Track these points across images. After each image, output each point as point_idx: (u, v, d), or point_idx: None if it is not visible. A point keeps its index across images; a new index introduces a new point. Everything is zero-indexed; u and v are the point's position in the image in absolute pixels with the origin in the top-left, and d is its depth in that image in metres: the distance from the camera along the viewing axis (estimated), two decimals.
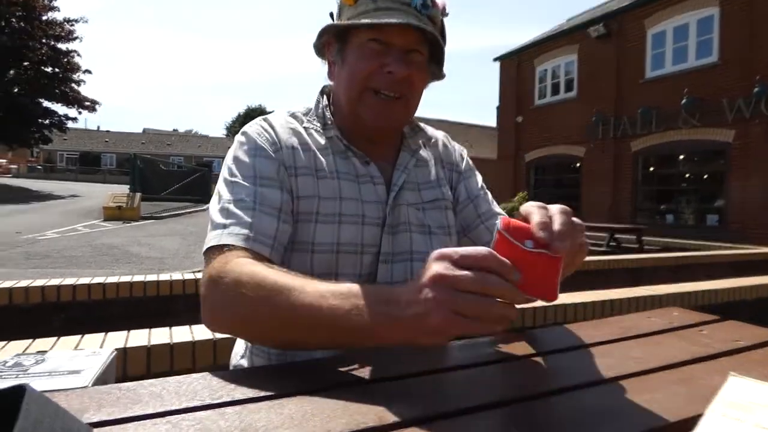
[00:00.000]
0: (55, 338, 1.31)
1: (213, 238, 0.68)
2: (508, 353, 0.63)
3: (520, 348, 0.65)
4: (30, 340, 1.25)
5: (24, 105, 21.27)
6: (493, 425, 0.44)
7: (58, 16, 22.51)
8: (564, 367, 0.59)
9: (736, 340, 0.72)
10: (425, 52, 0.79)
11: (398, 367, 0.54)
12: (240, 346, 0.84)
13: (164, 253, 7.20)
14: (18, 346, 1.20)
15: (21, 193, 19.36)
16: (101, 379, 0.55)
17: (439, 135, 0.97)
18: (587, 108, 12.33)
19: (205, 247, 0.68)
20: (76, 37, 22.85)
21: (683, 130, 10.32)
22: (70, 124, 24.96)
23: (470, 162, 0.97)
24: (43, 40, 21.93)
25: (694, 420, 0.44)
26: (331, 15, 0.82)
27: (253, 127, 0.80)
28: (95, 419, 0.40)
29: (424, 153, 0.90)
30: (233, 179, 0.74)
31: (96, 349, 0.61)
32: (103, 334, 1.41)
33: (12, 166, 37.83)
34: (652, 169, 11.59)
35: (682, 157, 10.99)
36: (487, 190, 0.94)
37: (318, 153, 0.79)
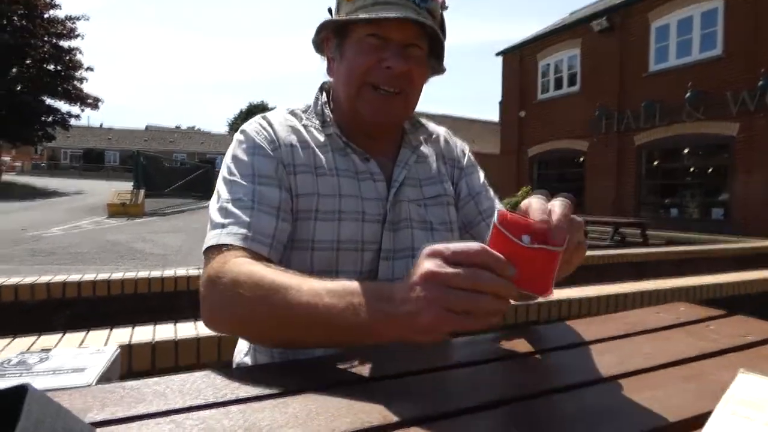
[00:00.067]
0: (60, 334, 1.32)
1: (212, 238, 0.68)
2: (512, 350, 0.63)
3: (524, 345, 0.64)
4: (35, 336, 1.26)
5: (27, 103, 21.32)
6: (496, 424, 0.43)
7: (59, 13, 22.50)
8: (568, 365, 0.58)
9: (744, 335, 0.72)
10: (424, 46, 0.78)
11: (400, 365, 0.53)
12: (243, 343, 0.84)
13: (168, 249, 7.22)
14: (23, 342, 1.21)
15: (25, 190, 19.46)
16: (105, 377, 0.55)
17: (441, 131, 0.96)
18: (590, 102, 12.27)
19: (204, 247, 0.68)
20: (78, 35, 22.85)
21: (687, 124, 10.25)
22: (73, 122, 25.01)
23: (472, 158, 0.96)
24: (45, 38, 21.93)
25: (703, 417, 0.44)
26: (330, 10, 0.81)
27: (251, 126, 0.79)
28: (99, 418, 0.39)
29: (425, 149, 0.89)
30: (232, 178, 0.73)
31: (100, 347, 0.61)
32: (108, 330, 1.42)
33: (16, 164, 38.01)
34: (655, 163, 11.53)
35: (686, 150, 10.93)
36: (489, 187, 0.94)
37: (317, 150, 0.78)
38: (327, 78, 0.86)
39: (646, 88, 11.06)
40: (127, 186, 14.14)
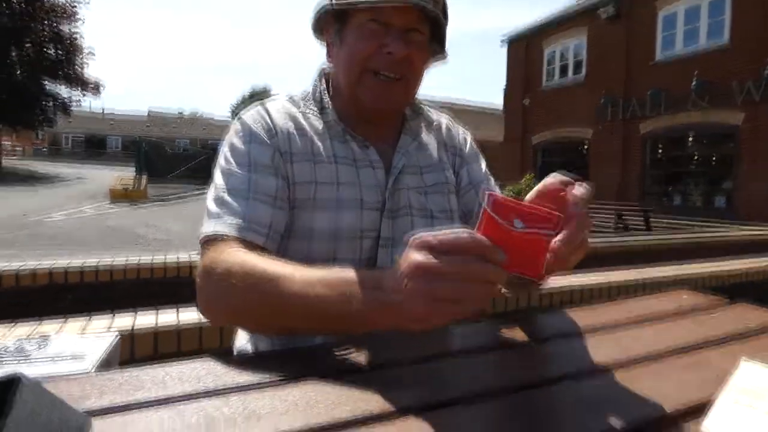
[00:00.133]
0: (62, 320, 1.32)
1: (207, 228, 0.68)
2: (512, 339, 0.62)
3: (525, 333, 0.64)
4: (37, 322, 1.26)
5: (27, 87, 21.20)
6: (495, 414, 0.43)
7: None
8: (569, 353, 0.58)
9: (747, 323, 0.71)
10: (426, 31, 0.77)
11: (400, 353, 0.53)
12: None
13: (171, 235, 7.25)
14: (24, 328, 1.21)
15: (27, 175, 19.48)
16: (105, 364, 0.55)
17: (443, 118, 0.95)
18: (595, 90, 12.14)
19: (200, 237, 0.68)
20: (79, 19, 22.64)
21: (692, 113, 10.16)
22: (74, 107, 24.92)
23: (474, 146, 0.95)
24: (45, 22, 21.72)
25: (705, 406, 0.43)
26: None
27: (248, 113, 0.78)
28: (97, 406, 0.39)
29: (426, 136, 0.88)
30: (228, 167, 0.73)
31: (100, 333, 0.61)
32: (111, 315, 1.42)
33: (17, 148, 37.99)
34: (660, 151, 11.45)
35: (690, 139, 10.85)
36: (490, 176, 0.92)
37: (315, 138, 0.77)
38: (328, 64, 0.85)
39: (652, 77, 10.94)
40: (130, 172, 14.14)
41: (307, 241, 0.72)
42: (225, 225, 0.67)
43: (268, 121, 0.76)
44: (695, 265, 2.61)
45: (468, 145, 0.93)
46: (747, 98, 9.21)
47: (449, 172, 0.87)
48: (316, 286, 0.52)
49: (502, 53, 15.79)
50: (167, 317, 1.45)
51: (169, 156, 17.92)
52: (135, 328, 1.33)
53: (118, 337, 0.61)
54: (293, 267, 0.56)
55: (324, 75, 0.86)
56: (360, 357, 0.53)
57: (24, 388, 0.25)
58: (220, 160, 0.75)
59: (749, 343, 0.64)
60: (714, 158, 10.58)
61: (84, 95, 24.16)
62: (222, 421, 0.38)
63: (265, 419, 0.38)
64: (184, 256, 2.36)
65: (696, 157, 10.93)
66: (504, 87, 15.99)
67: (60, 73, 22.40)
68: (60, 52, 22.42)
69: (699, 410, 0.43)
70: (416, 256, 0.44)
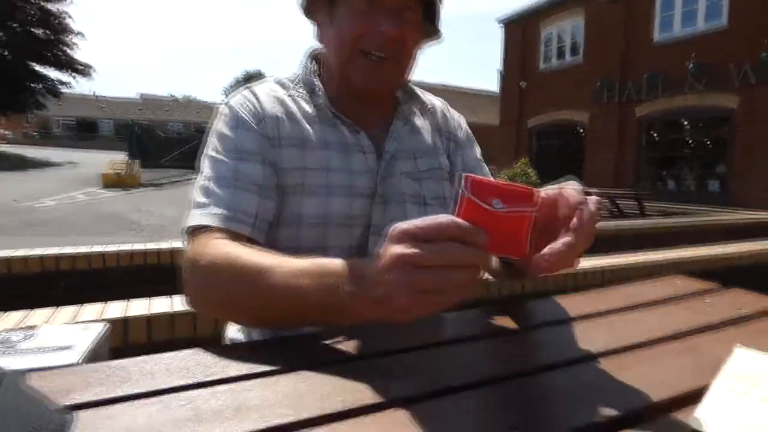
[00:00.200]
0: (54, 308, 1.31)
1: (192, 218, 0.67)
2: (504, 326, 0.62)
3: (517, 320, 0.64)
4: (27, 311, 1.25)
5: (15, 69, 20.76)
6: (488, 403, 0.43)
7: None
8: (562, 340, 0.58)
9: (740, 309, 0.72)
10: (419, 10, 0.75)
11: (391, 343, 0.53)
12: None
13: (165, 220, 7.20)
14: (15, 316, 1.20)
15: (17, 160, 19.21)
16: (93, 354, 0.54)
17: (438, 102, 0.93)
18: (592, 73, 12.05)
19: (185, 227, 0.67)
20: None
21: (689, 96, 10.13)
22: (64, 90, 24.47)
23: (469, 132, 0.93)
24: (32, 2, 21.16)
25: (699, 392, 0.43)
26: None
27: (236, 98, 0.76)
28: (82, 400, 0.38)
29: (419, 120, 0.86)
30: (214, 155, 0.71)
31: (88, 324, 0.60)
32: (103, 303, 1.41)
33: (6, 132, 37.41)
34: (656, 135, 11.44)
35: (686, 123, 10.83)
36: (484, 163, 0.91)
37: (304, 122, 0.75)
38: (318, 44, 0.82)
39: (649, 59, 10.86)
40: (122, 156, 13.98)
41: (296, 228, 0.71)
42: (210, 216, 0.65)
43: (256, 105, 0.74)
44: (688, 250, 2.63)
45: (463, 130, 0.91)
46: (744, 81, 9.18)
47: (443, 157, 0.86)
48: (300, 278, 0.51)
49: (501, 35, 15.61)
50: (161, 304, 1.44)
51: (162, 140, 17.70)
52: (128, 315, 1.32)
53: (108, 327, 0.60)
54: (277, 258, 0.55)
55: (314, 56, 0.83)
56: (351, 346, 0.52)
57: (2, 382, 0.24)
58: (207, 148, 0.73)
59: (743, 329, 0.64)
60: (709, 142, 10.59)
61: (74, 78, 23.71)
62: (210, 414, 0.37)
63: (254, 411, 0.38)
64: (177, 243, 2.35)
65: (691, 141, 10.93)
66: (500, 69, 15.85)
67: (49, 54, 21.91)
68: (48, 32, 21.89)
69: (693, 397, 0.43)
70: (395, 248, 0.42)
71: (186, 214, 0.68)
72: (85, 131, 43.84)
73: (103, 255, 2.14)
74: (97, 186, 11.84)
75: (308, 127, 0.75)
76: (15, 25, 21.05)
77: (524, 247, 0.45)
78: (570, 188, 0.50)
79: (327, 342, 0.53)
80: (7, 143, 32.00)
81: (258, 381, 0.43)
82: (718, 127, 10.15)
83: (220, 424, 0.36)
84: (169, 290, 1.55)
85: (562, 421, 0.39)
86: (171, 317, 1.39)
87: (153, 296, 1.51)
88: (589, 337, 0.57)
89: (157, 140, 17.12)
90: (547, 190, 0.50)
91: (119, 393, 0.40)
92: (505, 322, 0.63)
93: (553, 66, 13.74)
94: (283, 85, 0.80)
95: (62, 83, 23.47)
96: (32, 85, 22.46)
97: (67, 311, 1.31)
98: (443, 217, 0.42)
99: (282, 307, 0.53)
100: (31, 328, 0.56)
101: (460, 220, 0.42)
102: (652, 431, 0.38)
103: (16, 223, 6.62)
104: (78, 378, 0.42)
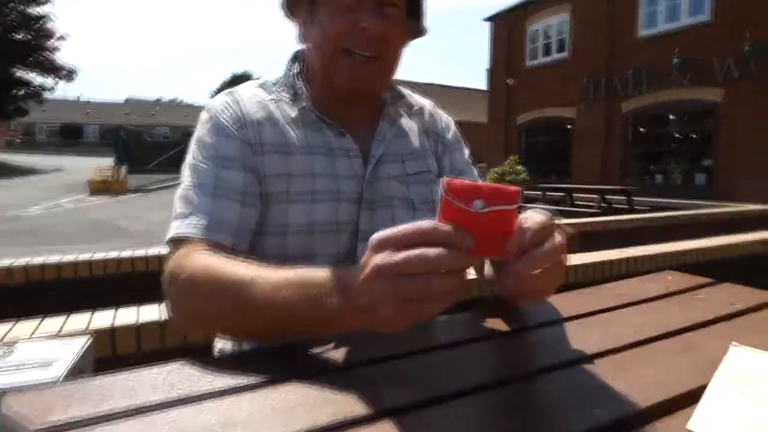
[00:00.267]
0: (39, 319, 1.28)
1: (173, 229, 0.65)
2: (496, 329, 0.61)
3: (509, 321, 0.63)
4: (12, 323, 1.21)
5: None
6: (485, 409, 0.42)
7: None
8: (556, 341, 0.57)
9: (733, 304, 0.72)
10: (402, 5, 0.73)
11: (383, 349, 0.51)
12: None
13: (153, 226, 7.12)
14: (0, 329, 1.17)
15: (0, 168, 18.87)
16: (76, 369, 0.52)
17: (426, 103, 0.91)
18: (579, 69, 12.15)
19: (166, 239, 0.65)
20: (47, 1, 21.72)
21: (674, 90, 10.26)
22: (47, 95, 24.12)
23: (458, 133, 0.91)
24: (11, 5, 20.80)
25: (696, 392, 0.43)
26: None
27: (216, 103, 0.74)
28: (61, 420, 0.36)
29: (406, 122, 0.84)
30: (194, 162, 0.69)
31: (70, 337, 0.58)
32: (90, 313, 1.38)
33: None
34: (642, 130, 11.57)
35: (672, 117, 10.97)
36: (473, 166, 0.90)
37: (288, 127, 0.73)
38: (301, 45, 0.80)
39: (634, 55, 10.97)
40: (109, 162, 13.80)
41: (282, 237, 0.69)
42: (190, 226, 0.64)
43: (237, 111, 0.72)
44: (676, 244, 2.65)
45: (451, 132, 0.90)
46: (727, 75, 9.31)
47: (431, 159, 0.84)
48: (282, 289, 0.49)
49: (488, 32, 15.66)
50: (150, 312, 1.41)
51: (149, 144, 17.50)
52: (116, 325, 1.29)
53: (90, 339, 0.58)
54: (259, 269, 0.53)
55: (298, 58, 0.81)
56: (342, 355, 0.51)
57: None
58: (189, 155, 0.71)
59: (737, 324, 0.64)
60: (695, 136, 10.73)
61: (57, 82, 23.37)
62: None
63: (241, 428, 0.36)
64: (165, 250, 2.31)
65: (677, 136, 11.07)
66: (487, 67, 15.91)
67: (30, 59, 21.55)
68: (29, 36, 21.54)
69: (691, 397, 0.42)
70: (376, 257, 0.41)
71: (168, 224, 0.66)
72: (70, 136, 43.21)
73: (90, 263, 2.10)
74: (84, 193, 11.69)
75: (291, 131, 0.73)
76: None
77: (509, 246, 0.45)
78: (536, 217, 0.47)
79: (317, 350, 0.52)
80: None
81: (246, 395, 0.42)
82: (703, 120, 10.29)
83: None
84: (158, 297, 1.51)
85: (560, 427, 0.39)
86: (160, 326, 1.36)
87: (142, 304, 1.48)
88: (583, 338, 0.56)
89: (144, 145, 16.92)
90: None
91: (100, 412, 0.38)
92: (498, 324, 0.62)
93: (540, 63, 13.83)
94: (265, 88, 0.78)
95: (45, 88, 23.14)
96: (14, 90, 22.08)
97: (53, 322, 1.28)
98: (424, 223, 0.41)
99: (265, 320, 0.51)
100: (10, 344, 0.54)
101: (441, 224, 0.41)
102: None
103: (2, 233, 6.50)
104: (57, 397, 0.40)
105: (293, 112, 0.75)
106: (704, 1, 9.84)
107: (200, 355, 0.51)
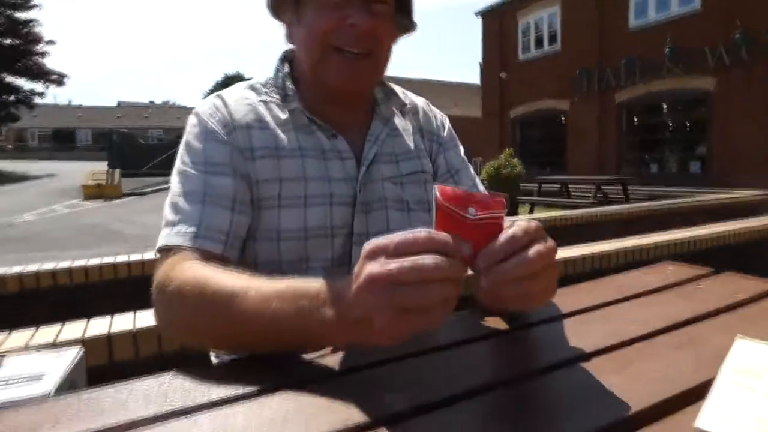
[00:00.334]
0: (33, 329, 1.26)
1: (162, 238, 0.64)
2: (499, 327, 0.60)
3: (512, 319, 0.61)
4: (6, 333, 1.20)
5: None
6: (487, 412, 0.41)
7: None
8: (556, 339, 0.56)
9: (734, 294, 0.71)
10: (390, 1, 0.72)
11: (380, 353, 0.49)
12: None
13: (149, 229, 7.07)
14: None
15: None
16: (68, 382, 0.51)
17: (419, 101, 0.89)
18: (571, 61, 12.16)
19: (156, 247, 0.64)
20: (35, 5, 21.49)
21: (666, 80, 10.29)
22: (37, 100, 23.92)
23: (452, 132, 0.90)
24: None
25: (702, 387, 0.42)
26: None
27: (205, 107, 0.72)
28: None
29: (399, 121, 0.83)
30: (183, 168, 0.68)
31: (61, 349, 0.56)
32: (86, 321, 1.36)
33: None
34: (636, 120, 11.59)
35: (665, 106, 11.00)
36: (468, 164, 0.88)
37: (278, 130, 0.72)
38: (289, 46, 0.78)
39: (626, 45, 10.99)
40: (102, 166, 13.71)
41: (275, 242, 0.68)
42: (179, 235, 0.62)
43: (225, 114, 0.70)
44: (673, 233, 2.66)
45: (446, 130, 0.88)
46: (718, 63, 9.34)
47: (426, 159, 0.82)
48: (273, 302, 0.47)
49: (479, 27, 15.64)
50: (147, 318, 1.40)
51: (142, 148, 17.40)
52: (112, 332, 1.28)
53: (82, 351, 0.56)
54: (249, 280, 0.52)
55: (288, 59, 0.80)
56: (337, 360, 0.50)
57: None
58: (177, 161, 0.70)
59: (738, 315, 0.63)
60: (688, 125, 10.78)
61: (47, 87, 23.17)
62: None
63: None
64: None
65: (671, 125, 11.11)
66: (480, 61, 15.88)
67: (19, 64, 21.35)
68: (17, 41, 21.32)
69: (698, 393, 0.41)
70: (370, 266, 0.40)
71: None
72: (62, 141, 42.90)
73: (85, 269, 2.07)
74: (78, 198, 11.60)
75: (282, 134, 0.71)
76: None
77: (478, 259, 0.44)
78: (521, 225, 0.45)
79: (312, 357, 0.50)
80: None
81: (242, 405, 0.40)
82: (696, 109, 10.34)
83: None
84: None
85: (565, 428, 0.38)
86: (157, 331, 1.34)
87: (139, 309, 1.46)
88: (585, 334, 0.55)
89: (138, 148, 16.83)
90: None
91: (92, 427, 0.37)
92: (497, 322, 0.61)
93: (533, 56, 13.83)
94: (255, 90, 0.76)
95: (35, 93, 22.94)
96: (4, 97, 21.89)
97: (48, 331, 1.26)
98: (420, 232, 0.40)
99: (255, 333, 0.50)
100: None
101: (437, 232, 0.40)
102: None
103: None
104: (46, 413, 0.39)
105: (283, 114, 0.73)
106: None
107: (196, 362, 0.50)
